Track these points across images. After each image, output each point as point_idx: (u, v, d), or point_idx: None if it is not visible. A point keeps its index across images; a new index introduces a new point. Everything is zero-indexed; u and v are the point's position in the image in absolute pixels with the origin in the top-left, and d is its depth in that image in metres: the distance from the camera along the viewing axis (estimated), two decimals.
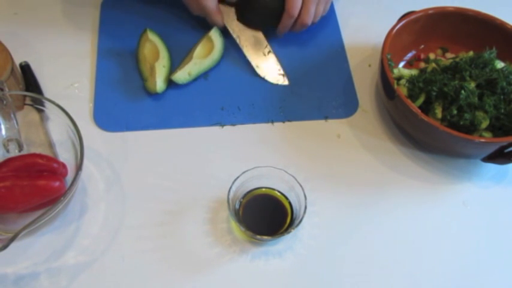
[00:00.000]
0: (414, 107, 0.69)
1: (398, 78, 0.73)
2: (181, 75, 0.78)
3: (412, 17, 0.77)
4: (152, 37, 0.82)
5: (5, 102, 0.67)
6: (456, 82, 0.69)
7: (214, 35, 0.82)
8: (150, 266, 0.64)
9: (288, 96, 0.80)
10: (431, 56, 0.83)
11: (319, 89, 0.81)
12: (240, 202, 0.67)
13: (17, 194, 0.60)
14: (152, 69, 0.78)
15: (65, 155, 0.69)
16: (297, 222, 0.63)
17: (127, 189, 0.70)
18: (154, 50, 0.81)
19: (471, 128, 0.69)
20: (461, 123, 0.68)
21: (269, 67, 0.82)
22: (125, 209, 0.68)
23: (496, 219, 0.71)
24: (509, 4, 0.94)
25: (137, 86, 0.79)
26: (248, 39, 0.83)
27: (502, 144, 0.67)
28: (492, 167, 0.74)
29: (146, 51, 0.81)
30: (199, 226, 0.67)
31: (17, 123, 0.68)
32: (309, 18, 0.80)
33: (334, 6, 0.91)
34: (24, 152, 0.68)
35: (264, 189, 0.68)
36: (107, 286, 0.63)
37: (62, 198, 0.60)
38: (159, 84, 0.77)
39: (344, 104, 0.80)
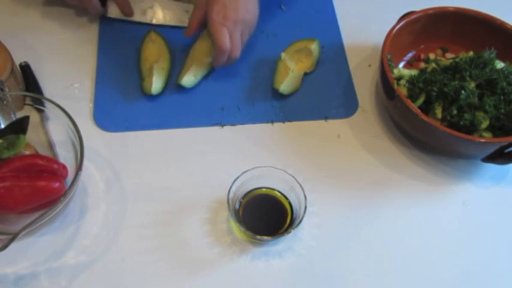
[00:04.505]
0: (414, 107, 0.69)
1: (398, 78, 0.73)
2: (189, 79, 0.78)
3: (412, 17, 0.77)
4: (156, 38, 0.82)
5: (5, 102, 0.67)
6: (456, 82, 0.69)
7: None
8: (150, 266, 0.64)
9: (288, 96, 0.80)
10: (431, 56, 0.83)
11: (319, 89, 0.81)
12: (240, 202, 0.67)
13: (16, 194, 0.60)
14: (151, 70, 0.78)
15: (65, 156, 0.69)
16: (297, 222, 0.63)
17: (127, 189, 0.70)
18: (156, 51, 0.81)
19: (471, 128, 0.69)
20: (461, 123, 0.68)
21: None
22: (125, 209, 0.68)
23: (496, 219, 0.71)
24: (509, 4, 0.94)
25: (137, 86, 0.79)
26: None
27: (502, 144, 0.67)
28: (492, 167, 0.74)
29: (148, 51, 0.81)
30: (199, 226, 0.67)
31: None
32: (238, 52, 0.75)
33: (334, 6, 0.91)
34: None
35: (264, 190, 0.68)
36: (106, 286, 0.63)
37: (62, 199, 0.60)
38: (155, 86, 0.76)
39: (344, 104, 0.80)
